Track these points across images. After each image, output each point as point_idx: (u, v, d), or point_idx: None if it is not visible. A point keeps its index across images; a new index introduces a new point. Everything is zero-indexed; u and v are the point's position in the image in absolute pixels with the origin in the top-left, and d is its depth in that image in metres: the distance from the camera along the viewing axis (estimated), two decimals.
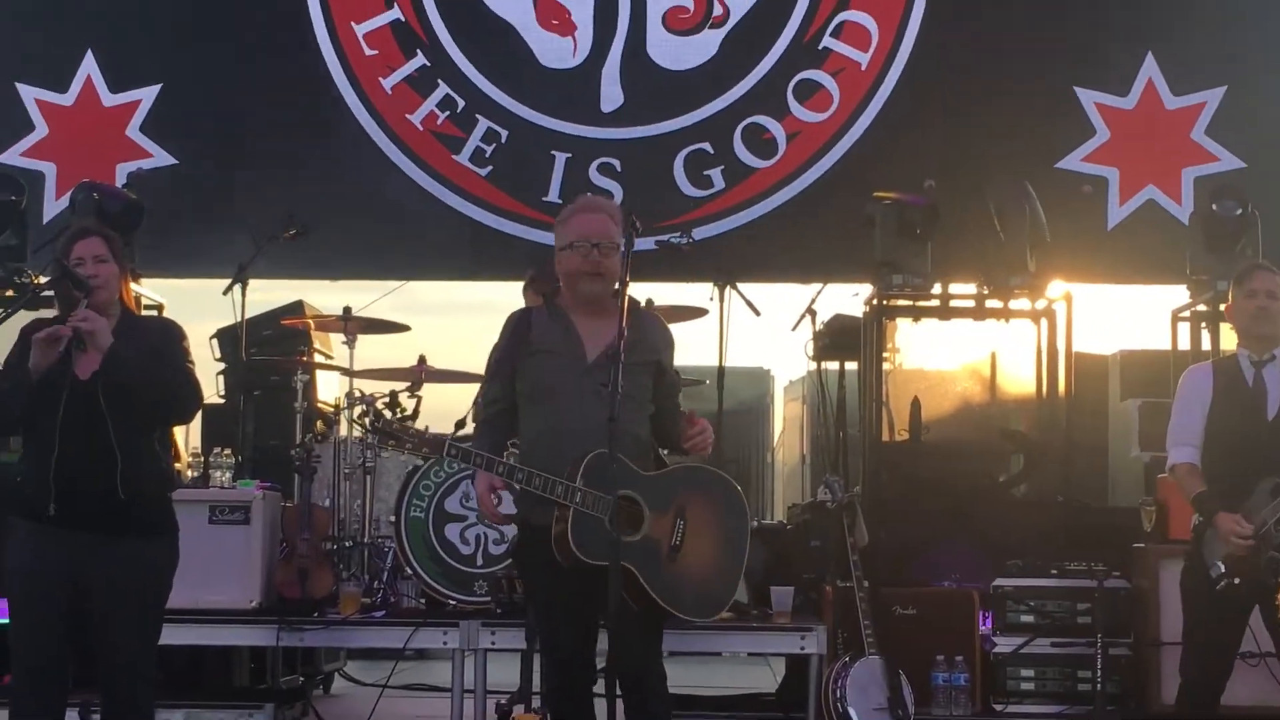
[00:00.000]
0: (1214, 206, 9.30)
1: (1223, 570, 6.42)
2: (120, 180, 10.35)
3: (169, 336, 5.99)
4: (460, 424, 8.78)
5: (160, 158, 10.75)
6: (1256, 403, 6.67)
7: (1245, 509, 6.42)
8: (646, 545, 5.71)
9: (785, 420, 12.86)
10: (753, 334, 10.88)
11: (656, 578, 5.70)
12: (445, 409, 9.10)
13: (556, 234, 5.96)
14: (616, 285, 5.89)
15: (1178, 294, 9.67)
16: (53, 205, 10.66)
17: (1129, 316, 11.02)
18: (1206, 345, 9.35)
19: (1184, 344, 9.48)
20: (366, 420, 8.04)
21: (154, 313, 9.55)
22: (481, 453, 5.83)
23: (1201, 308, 9.34)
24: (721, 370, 9.34)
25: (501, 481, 5.75)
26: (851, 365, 9.98)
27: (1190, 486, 6.65)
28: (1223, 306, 7.40)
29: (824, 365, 10.10)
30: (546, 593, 5.90)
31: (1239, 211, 9.19)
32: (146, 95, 10.83)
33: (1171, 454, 6.81)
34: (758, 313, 8.74)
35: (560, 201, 10.61)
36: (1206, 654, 6.65)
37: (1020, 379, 9.98)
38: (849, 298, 9.99)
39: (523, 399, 5.92)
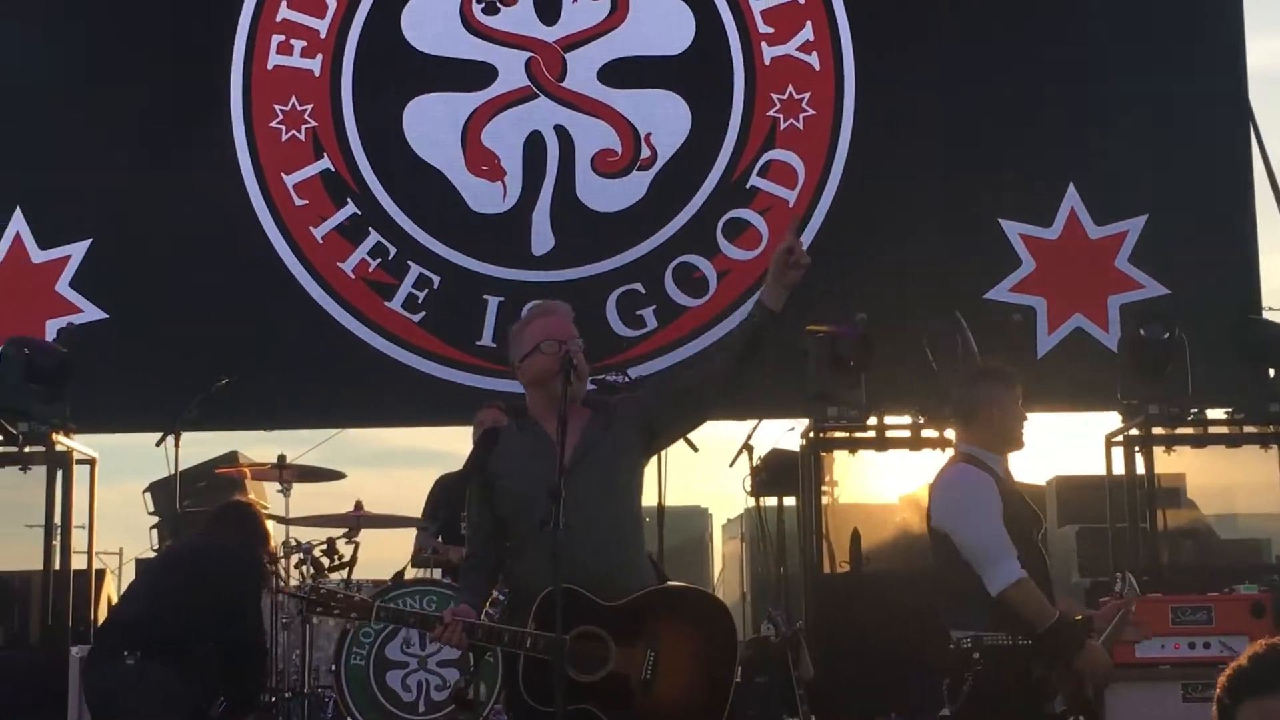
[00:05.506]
0: (1142, 331, 9.42)
1: (1064, 709, 5.74)
2: (50, 336, 10.26)
3: None
4: (399, 576, 8.70)
5: (90, 312, 10.68)
6: (1036, 512, 6.10)
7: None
8: (612, 683, 5.30)
9: (725, 558, 12.81)
10: (690, 473, 10.89)
11: (625, 718, 5.34)
12: (384, 557, 9.03)
13: (515, 345, 5.66)
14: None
15: (1110, 420, 9.76)
16: None
17: (1063, 444, 11.07)
18: (1141, 469, 9.43)
19: (1119, 468, 9.53)
20: (299, 590, 7.92)
21: (86, 468, 9.49)
22: (414, 612, 5.72)
23: (1134, 432, 9.41)
24: (661, 508, 9.29)
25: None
26: (790, 500, 10.00)
27: (1046, 610, 5.77)
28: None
29: (762, 501, 10.09)
30: None
31: (1166, 335, 9.30)
32: (76, 251, 10.78)
33: (1004, 568, 5.76)
34: (695, 448, 8.71)
35: (494, 345, 10.62)
36: None
37: None
38: (785, 433, 10.04)
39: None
